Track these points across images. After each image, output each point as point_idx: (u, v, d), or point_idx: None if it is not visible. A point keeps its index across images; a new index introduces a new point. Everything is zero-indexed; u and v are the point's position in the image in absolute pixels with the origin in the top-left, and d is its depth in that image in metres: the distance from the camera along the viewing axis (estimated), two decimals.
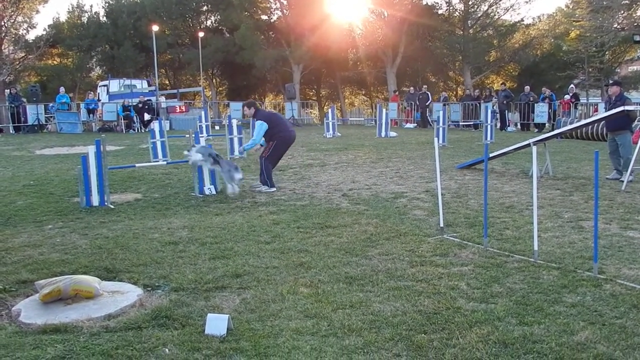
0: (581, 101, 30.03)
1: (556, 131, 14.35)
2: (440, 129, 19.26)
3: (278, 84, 45.60)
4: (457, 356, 4.06)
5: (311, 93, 51.97)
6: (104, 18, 45.48)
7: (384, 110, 24.64)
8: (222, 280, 5.75)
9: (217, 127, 28.17)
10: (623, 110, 11.08)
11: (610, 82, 12.11)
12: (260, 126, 10.78)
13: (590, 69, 41.07)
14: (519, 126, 27.95)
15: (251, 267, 6.15)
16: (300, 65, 41.70)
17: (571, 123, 17.69)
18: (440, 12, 43.13)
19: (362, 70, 45.33)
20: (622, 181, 10.79)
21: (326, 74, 48.39)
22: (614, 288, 5.40)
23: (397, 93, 36.22)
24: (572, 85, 30.25)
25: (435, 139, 7.73)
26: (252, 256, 6.54)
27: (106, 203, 9.60)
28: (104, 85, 36.03)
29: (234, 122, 16.53)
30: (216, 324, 4.48)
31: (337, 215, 8.61)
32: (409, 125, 30.51)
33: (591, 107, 28.72)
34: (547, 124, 26.02)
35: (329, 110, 25.61)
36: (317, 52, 40.22)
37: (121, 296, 5.26)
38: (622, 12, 35.03)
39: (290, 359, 4.07)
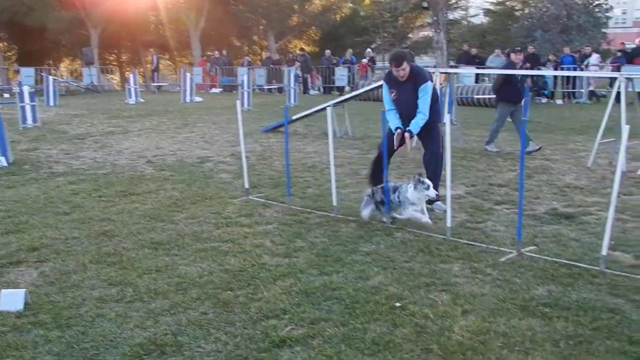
0: (378, 65, 31.62)
1: (353, 93, 15.05)
2: (245, 93, 19.42)
3: (74, 48, 43.07)
4: (262, 309, 4.25)
5: (111, 58, 49.77)
6: None
7: (188, 75, 24.31)
8: (17, 254, 5.49)
9: (6, 95, 26.19)
10: (524, 80, 11.28)
11: (517, 48, 12.67)
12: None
13: (385, 34, 43.26)
14: (321, 89, 28.86)
15: (49, 239, 5.92)
16: (98, 28, 39.65)
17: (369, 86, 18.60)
18: None
19: (165, 34, 44.15)
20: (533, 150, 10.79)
21: (126, 37, 46.50)
22: (404, 235, 5.90)
23: (204, 57, 35.79)
24: (369, 50, 31.70)
25: (238, 102, 7.84)
26: (50, 228, 6.29)
27: None
28: None
29: (26, 89, 15.49)
30: (11, 299, 4.30)
31: (141, 182, 8.49)
32: (214, 90, 30.36)
33: (387, 70, 30.27)
34: (347, 87, 27.10)
35: (131, 76, 24.78)
36: (115, 15, 38.44)
37: None
38: None
39: (94, 327, 4.03)
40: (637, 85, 10.65)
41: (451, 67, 22.77)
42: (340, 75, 27.55)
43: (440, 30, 27.53)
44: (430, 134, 6.83)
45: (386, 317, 4.10)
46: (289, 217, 6.59)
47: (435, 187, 6.32)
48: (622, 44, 26.58)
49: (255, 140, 12.51)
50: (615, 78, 9.96)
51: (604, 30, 36.59)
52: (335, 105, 12.14)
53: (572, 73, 21.22)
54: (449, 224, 5.82)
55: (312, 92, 28.22)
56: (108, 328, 4.01)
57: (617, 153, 6.79)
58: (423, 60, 40.85)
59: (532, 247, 5.54)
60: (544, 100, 22.40)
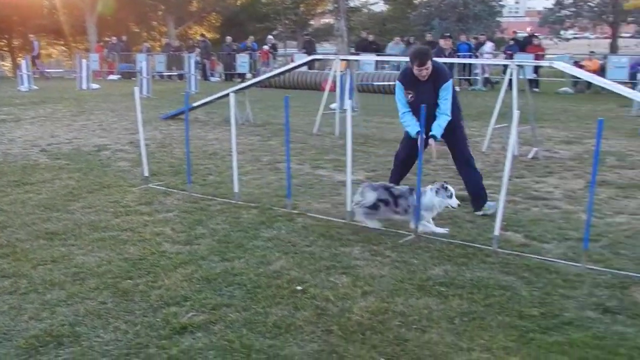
0: (279, 52, 31.59)
1: (254, 80, 14.98)
2: (144, 80, 18.98)
3: None
4: (162, 296, 4.19)
5: (1, 43, 47.41)
6: None
7: (84, 61, 23.48)
8: None
9: None
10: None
11: (447, 34, 12.69)
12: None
13: (286, 21, 43.23)
14: (222, 76, 28.54)
15: None
16: None
17: (270, 72, 18.57)
18: None
19: (59, 19, 42.40)
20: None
21: (18, 22, 44.38)
22: (305, 221, 5.95)
23: (100, 44, 34.62)
24: (270, 36, 31.60)
25: (136, 89, 7.64)
26: None
27: None
28: None
29: None
30: None
31: (35, 172, 8.15)
32: (112, 77, 29.47)
33: (288, 57, 30.32)
34: (248, 74, 26.94)
35: (23, 62, 23.67)
36: None
37: None
38: None
39: None
40: (527, 73, 11.12)
41: (351, 54, 23.02)
42: (242, 62, 27.35)
43: (341, 17, 27.81)
44: (456, 134, 6.33)
45: (287, 301, 4.13)
46: (190, 205, 6.51)
47: (483, 198, 6.21)
48: (514, 32, 27.68)
49: (154, 127, 12.25)
50: (508, 65, 10.35)
51: (498, 19, 37.96)
52: (236, 92, 12.02)
53: (468, 60, 21.91)
54: (349, 208, 5.91)
55: (213, 79, 27.89)
56: (1, 321, 3.85)
57: (509, 138, 7.10)
58: (324, 48, 41.07)
59: None
60: None
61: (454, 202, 5.67)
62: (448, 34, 12.78)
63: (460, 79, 23.86)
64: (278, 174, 7.94)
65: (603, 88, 9.73)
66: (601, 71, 21.20)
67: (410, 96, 6.18)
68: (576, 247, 5.17)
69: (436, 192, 5.62)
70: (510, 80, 9.70)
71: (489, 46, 24.98)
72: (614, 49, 34.93)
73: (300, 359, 3.42)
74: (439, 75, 6.11)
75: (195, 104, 12.74)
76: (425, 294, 4.28)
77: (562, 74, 18.98)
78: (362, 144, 10.23)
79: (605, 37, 41.74)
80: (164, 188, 7.23)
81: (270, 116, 13.97)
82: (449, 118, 6.13)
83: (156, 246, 5.20)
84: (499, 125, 9.67)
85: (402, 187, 5.89)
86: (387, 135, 11.51)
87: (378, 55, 22.99)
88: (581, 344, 3.61)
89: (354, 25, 41.86)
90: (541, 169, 8.59)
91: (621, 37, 40.03)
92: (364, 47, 25.69)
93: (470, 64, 22.59)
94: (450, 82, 6.15)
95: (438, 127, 6.09)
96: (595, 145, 4.78)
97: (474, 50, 24.12)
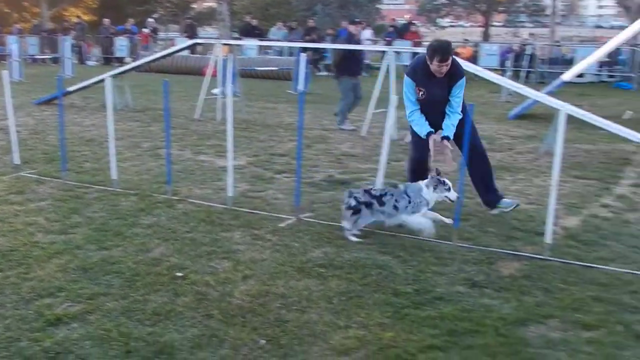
0: (160, 35, 30.86)
1: (134, 64, 14.59)
2: (15, 63, 18.05)
3: None
4: (35, 288, 4.05)
5: None
6: None
7: None
8: None
9: None
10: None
11: (357, 20, 12.44)
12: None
13: (167, 4, 42.22)
14: (101, 60, 27.57)
15: None
16: None
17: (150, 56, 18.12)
18: None
19: None
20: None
21: None
22: (186, 207, 5.90)
23: None
24: (150, 19, 30.79)
25: (5, 73, 7.25)
26: None
27: None
28: None
29: None
30: None
31: None
32: None
33: (169, 42, 29.67)
34: (127, 58, 26.16)
35: None
36: None
37: None
38: None
39: None
40: (405, 59, 11.44)
41: (234, 39, 22.84)
42: (120, 45, 26.54)
43: (224, 1, 27.45)
44: (474, 130, 5.72)
45: (167, 288, 4.10)
46: (65, 193, 6.29)
47: (493, 190, 5.85)
48: (394, 19, 28.37)
49: (27, 113, 11.69)
50: (386, 52, 10.62)
51: (378, 6, 38.72)
52: (114, 76, 11.68)
53: (347, 46, 22.19)
54: (230, 193, 5.91)
55: (90, 62, 26.88)
56: None
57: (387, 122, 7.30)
58: (207, 32, 40.48)
59: (309, 213, 5.80)
60: (324, 72, 23.30)
61: (453, 195, 5.26)
62: (358, 20, 12.74)
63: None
64: (158, 160, 7.80)
65: (475, 75, 10.14)
66: (474, 58, 22.14)
67: (421, 93, 5.62)
68: (449, 226, 5.42)
69: (434, 188, 5.21)
70: (389, 66, 9.97)
71: (368, 33, 25.46)
72: (486, 37, 36.52)
73: (180, 345, 3.41)
74: (455, 71, 5.56)
75: (70, 89, 12.26)
76: (305, 276, 4.36)
77: None
78: (244, 130, 10.22)
79: (479, 26, 43.50)
80: (36, 176, 6.93)
81: (150, 101, 13.66)
82: (460, 116, 5.64)
83: (28, 236, 5.00)
84: (377, 110, 9.92)
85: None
86: (270, 120, 11.57)
87: (261, 40, 22.93)
88: (451, 317, 3.81)
89: (236, 9, 41.40)
90: None
91: (493, 25, 41.94)
92: (246, 31, 25.53)
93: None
94: (464, 78, 5.64)
95: (451, 127, 5.57)
96: (465, 130, 5.02)
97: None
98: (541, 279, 4.43)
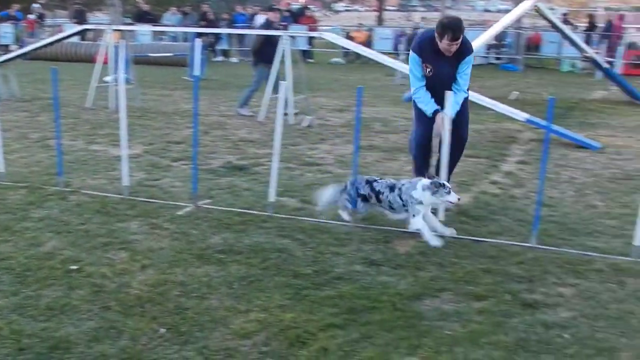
0: (47, 21, 29.61)
1: (20, 51, 13.94)
2: None
3: None
4: None
5: None
6: None
7: None
8: None
9: None
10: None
11: (274, 6, 11.98)
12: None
13: None
14: None
15: None
16: None
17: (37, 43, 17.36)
18: None
19: None
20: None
21: None
22: (79, 198, 5.73)
23: None
24: (36, 5, 29.46)
25: None
26: None
27: None
28: None
29: None
30: None
31: None
32: None
33: (57, 28, 28.51)
34: (13, 45, 24.95)
35: None
36: None
37: None
38: None
39: None
40: (300, 44, 11.47)
41: (126, 24, 22.21)
42: (5, 32, 25.28)
43: None
44: (464, 115, 5.60)
45: (61, 282, 3.98)
46: None
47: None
48: (288, 4, 28.36)
49: None
50: (280, 37, 10.61)
51: None
52: None
53: (241, 31, 22.07)
54: (125, 183, 5.79)
55: None
56: None
57: (285, 107, 7.34)
58: (97, 18, 39.13)
59: (208, 200, 5.76)
60: (220, 58, 23.07)
61: (453, 197, 4.93)
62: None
63: (239, 49, 24.05)
64: (49, 151, 7.51)
65: (371, 58, 10.33)
66: (368, 43, 22.50)
67: (428, 70, 5.39)
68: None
69: (433, 193, 4.86)
70: (284, 51, 9.98)
71: (261, 18, 25.34)
72: (380, 21, 37.15)
73: (76, 339, 3.32)
74: (464, 48, 5.30)
75: None
76: (204, 263, 4.35)
77: (334, 45, 19.86)
78: (139, 118, 10.00)
79: (373, 10, 44.20)
80: None
81: (38, 90, 13.11)
82: (467, 95, 5.48)
83: None
84: (274, 95, 9.93)
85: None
86: (165, 107, 11.37)
87: (154, 25, 22.40)
88: (350, 295, 3.90)
89: None
90: (314, 136, 9.01)
91: (387, 10, 42.72)
92: (139, 17, 24.87)
93: (244, 36, 22.79)
94: (472, 55, 5.42)
95: (455, 105, 5.34)
96: (356, 111, 5.13)
97: (250, 21, 24.37)
98: (435, 255, 4.60)
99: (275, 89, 9.33)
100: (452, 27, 5.11)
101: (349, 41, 12.96)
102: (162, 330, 3.44)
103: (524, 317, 3.70)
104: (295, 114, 10.11)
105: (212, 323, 3.53)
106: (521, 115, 8.62)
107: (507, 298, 3.94)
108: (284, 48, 9.93)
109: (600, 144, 8.69)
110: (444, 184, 4.93)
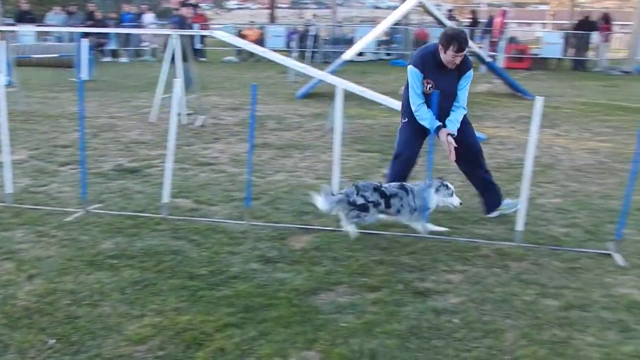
0: None
1: None
2: None
3: None
4: None
5: None
6: None
7: None
8: None
9: None
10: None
11: (188, 2, 11.32)
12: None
13: None
14: None
15: None
16: None
17: None
18: None
19: None
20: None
21: None
22: None
23: None
24: None
25: None
26: None
27: None
28: None
29: None
30: None
31: None
32: None
33: None
34: None
35: None
36: None
37: None
38: None
39: None
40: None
41: (7, 24, 21.22)
42: None
43: None
44: (468, 127, 5.39)
45: None
46: None
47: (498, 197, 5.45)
48: (181, 3, 27.84)
49: None
50: (170, 35, 10.43)
51: None
52: None
53: (130, 30, 21.58)
54: (9, 190, 5.54)
55: None
56: None
57: (178, 107, 7.24)
58: None
59: (98, 204, 5.60)
60: (109, 58, 22.43)
61: (456, 200, 5.01)
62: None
63: (128, 49, 23.49)
64: None
65: (264, 56, 10.34)
66: (261, 40, 22.50)
67: (430, 86, 5.14)
68: (241, 206, 5.51)
69: (436, 190, 4.95)
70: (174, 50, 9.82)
71: (150, 17, 24.86)
72: (272, 19, 37.20)
73: None
74: (465, 62, 5.14)
75: None
76: (95, 269, 4.23)
77: (227, 44, 19.75)
78: (23, 122, 9.57)
79: (266, 8, 44.18)
80: None
81: None
82: (466, 111, 5.28)
83: None
84: (166, 95, 9.77)
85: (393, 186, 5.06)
86: (52, 110, 10.93)
87: (38, 25, 21.49)
88: (246, 294, 3.90)
89: None
90: (208, 135, 8.94)
91: (279, 7, 42.81)
92: (19, 17, 23.80)
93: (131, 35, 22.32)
94: (472, 69, 5.26)
95: (455, 122, 5.15)
96: (251, 108, 5.13)
97: (137, 20, 23.85)
98: (330, 249, 4.67)
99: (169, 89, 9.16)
100: (458, 38, 4.92)
101: (240, 39, 12.88)
102: (52, 341, 3.32)
103: (416, 305, 3.82)
104: (189, 114, 9.99)
105: (104, 330, 3.44)
106: None
107: (399, 288, 4.06)
108: (174, 47, 9.77)
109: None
110: (447, 185, 4.99)
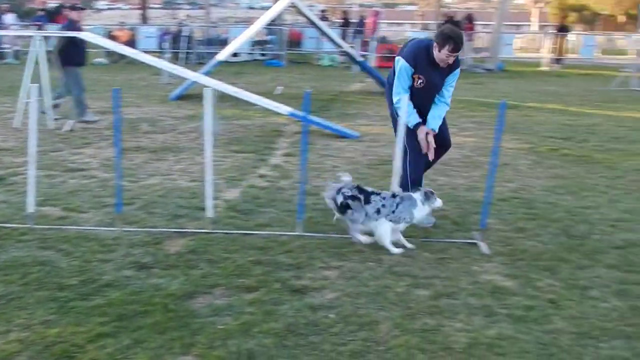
0: None
1: None
2: None
3: None
4: None
5: None
6: None
7: None
8: None
9: None
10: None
11: (78, 5, 10.33)
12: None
13: None
14: None
15: None
16: None
17: None
18: None
19: None
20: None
21: None
22: None
23: None
24: None
25: None
26: None
27: None
28: None
29: None
30: None
31: None
32: None
33: None
34: None
35: None
36: None
37: None
38: None
39: None
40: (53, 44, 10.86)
41: None
42: None
43: None
44: (445, 123, 5.40)
45: None
46: None
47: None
48: (44, 2, 26.73)
49: None
50: (32, 37, 9.98)
51: None
52: None
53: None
54: None
55: None
56: None
57: (43, 111, 6.94)
58: None
59: None
60: None
61: (439, 202, 4.95)
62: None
63: None
64: None
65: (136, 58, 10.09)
66: (132, 41, 21.94)
67: (420, 82, 5.14)
68: (113, 212, 5.35)
69: (426, 199, 4.87)
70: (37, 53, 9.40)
71: (10, 17, 23.64)
72: (144, 19, 36.31)
73: None
74: (456, 60, 5.17)
75: None
76: None
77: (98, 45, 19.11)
78: None
79: (137, 8, 43.04)
80: None
81: None
82: (449, 108, 5.31)
83: None
84: (29, 100, 9.31)
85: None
86: None
87: None
88: (120, 302, 3.80)
89: None
90: (78, 140, 8.61)
91: (151, 8, 41.85)
92: None
93: None
94: (460, 67, 5.29)
95: (438, 119, 5.21)
96: (114, 112, 5.00)
97: None
98: (206, 252, 4.63)
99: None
100: (455, 38, 4.95)
101: (109, 41, 12.51)
102: None
103: (293, 303, 3.86)
104: (56, 119, 9.58)
105: None
106: (284, 109, 8.94)
107: (276, 287, 4.09)
108: (38, 49, 9.34)
109: (358, 133, 9.27)
110: (432, 192, 4.96)
